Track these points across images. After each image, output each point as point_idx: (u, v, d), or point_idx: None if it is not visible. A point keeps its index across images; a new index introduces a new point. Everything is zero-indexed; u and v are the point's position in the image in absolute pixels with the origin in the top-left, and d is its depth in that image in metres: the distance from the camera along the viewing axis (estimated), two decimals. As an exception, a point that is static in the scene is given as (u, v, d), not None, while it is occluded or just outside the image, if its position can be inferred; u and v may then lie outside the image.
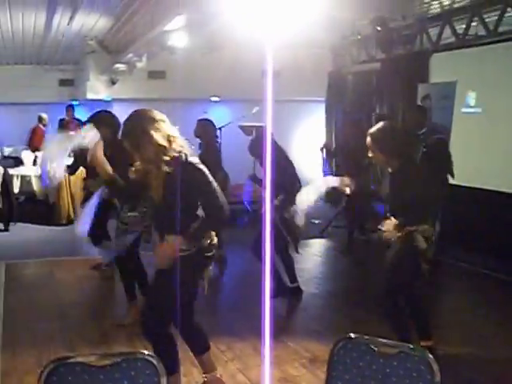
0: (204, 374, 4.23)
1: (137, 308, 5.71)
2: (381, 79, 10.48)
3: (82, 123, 13.62)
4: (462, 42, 8.48)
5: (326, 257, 9.10)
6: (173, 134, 3.73)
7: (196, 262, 3.81)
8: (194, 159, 3.76)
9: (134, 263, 5.77)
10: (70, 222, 10.08)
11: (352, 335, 2.26)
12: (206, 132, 7.88)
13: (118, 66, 11.36)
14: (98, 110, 6.36)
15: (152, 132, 3.65)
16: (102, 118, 5.83)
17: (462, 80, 8.43)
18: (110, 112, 6.22)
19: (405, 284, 4.65)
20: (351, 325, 5.71)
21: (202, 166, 3.75)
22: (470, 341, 5.37)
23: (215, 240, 3.89)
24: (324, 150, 9.87)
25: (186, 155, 3.69)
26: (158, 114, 3.77)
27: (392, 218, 4.56)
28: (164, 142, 3.66)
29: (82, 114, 13.75)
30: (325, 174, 10.25)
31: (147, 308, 4.00)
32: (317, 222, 10.22)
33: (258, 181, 6.66)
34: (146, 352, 2.24)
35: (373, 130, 4.71)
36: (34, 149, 11.65)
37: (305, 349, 5.19)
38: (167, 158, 3.64)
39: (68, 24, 8.98)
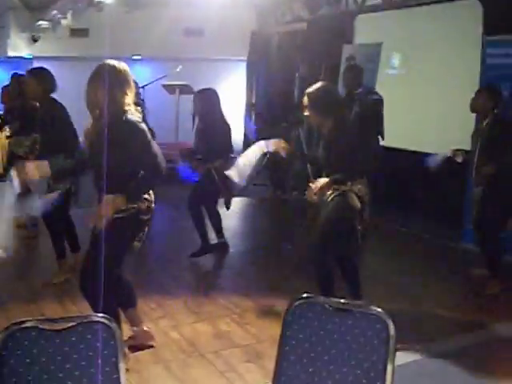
0: (132, 327, 4.35)
1: (66, 266, 5.70)
2: (306, 39, 10.52)
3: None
4: (387, 3, 8.57)
5: (247, 215, 9.22)
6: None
7: (133, 225, 3.88)
8: (134, 117, 3.78)
9: (63, 221, 5.71)
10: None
11: (306, 295, 2.33)
12: None
13: (40, 23, 11.00)
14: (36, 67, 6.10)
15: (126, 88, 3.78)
16: (35, 74, 5.65)
17: (387, 42, 8.51)
18: (44, 69, 6.00)
19: (337, 244, 4.69)
20: (278, 281, 5.87)
21: (140, 125, 3.78)
22: (398, 299, 5.44)
23: (152, 204, 3.96)
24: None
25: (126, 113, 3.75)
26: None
27: (320, 179, 4.63)
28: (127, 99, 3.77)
29: (1, 73, 13.24)
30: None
31: (85, 269, 3.95)
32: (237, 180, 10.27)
33: (191, 159, 6.65)
34: (102, 315, 2.25)
35: (310, 89, 4.74)
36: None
37: (234, 305, 5.28)
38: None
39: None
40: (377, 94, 7.35)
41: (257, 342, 4.59)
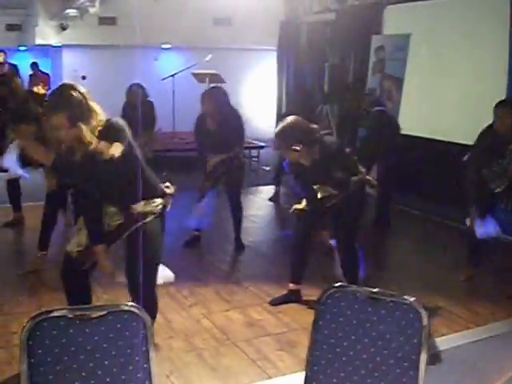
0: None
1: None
2: (335, 30, 10.36)
3: (16, 68, 13.21)
4: (416, -6, 8.44)
5: (279, 203, 9.17)
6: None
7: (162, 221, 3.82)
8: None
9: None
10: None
11: (338, 284, 2.31)
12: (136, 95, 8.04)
13: (68, 11, 11.08)
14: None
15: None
16: None
17: (415, 32, 8.43)
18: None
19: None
20: (310, 270, 5.81)
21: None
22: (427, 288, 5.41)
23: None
24: None
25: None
26: None
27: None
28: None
29: (29, 60, 13.41)
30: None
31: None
32: (268, 168, 10.28)
33: None
34: (131, 303, 2.24)
35: (277, 130, 4.61)
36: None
37: (266, 293, 5.26)
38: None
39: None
40: (381, 104, 7.50)
41: (289, 330, 4.57)
